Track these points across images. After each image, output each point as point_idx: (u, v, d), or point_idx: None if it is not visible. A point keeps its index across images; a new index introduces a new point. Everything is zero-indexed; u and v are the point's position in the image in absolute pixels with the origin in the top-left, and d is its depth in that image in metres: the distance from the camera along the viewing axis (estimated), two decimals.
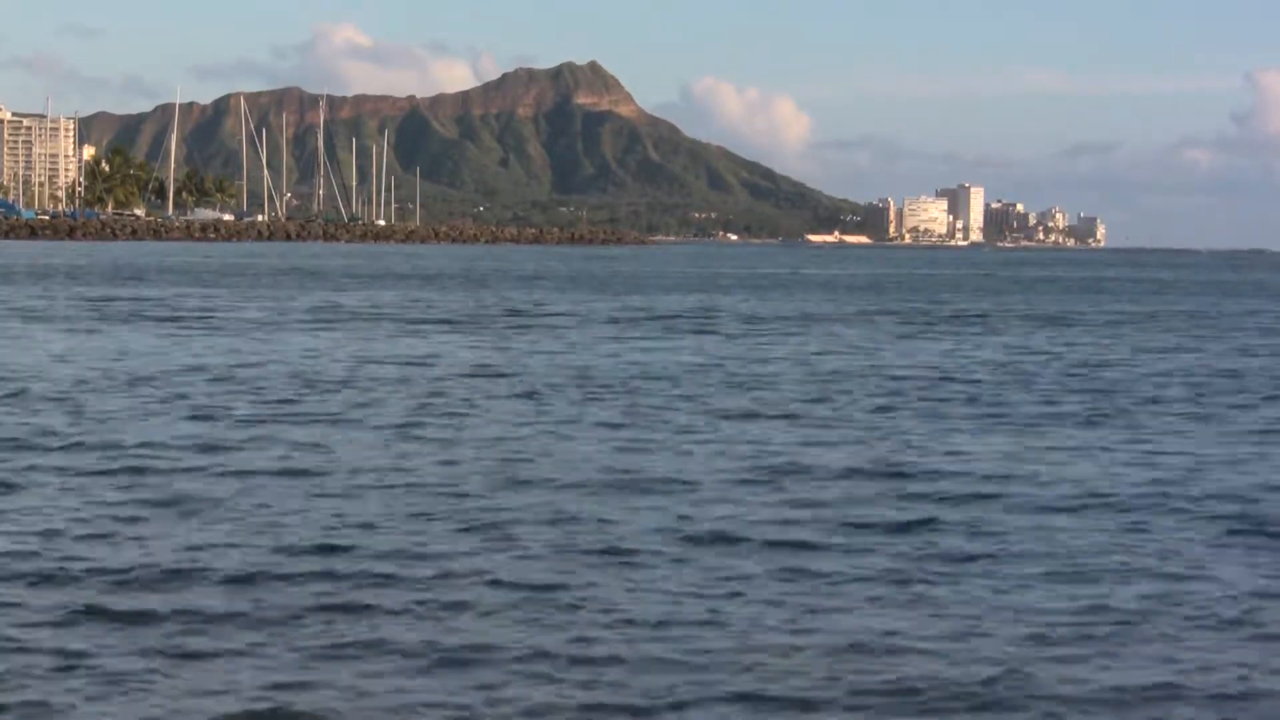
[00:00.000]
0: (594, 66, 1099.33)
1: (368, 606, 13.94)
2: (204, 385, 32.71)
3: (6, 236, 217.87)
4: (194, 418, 27.12)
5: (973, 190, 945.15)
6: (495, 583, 14.90)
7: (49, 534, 16.83)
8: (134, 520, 17.67)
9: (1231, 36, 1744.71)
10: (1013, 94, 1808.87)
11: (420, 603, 14.08)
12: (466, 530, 17.50)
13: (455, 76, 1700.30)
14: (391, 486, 20.25)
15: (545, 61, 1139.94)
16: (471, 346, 46.07)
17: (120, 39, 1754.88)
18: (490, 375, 36.54)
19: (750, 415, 29.12)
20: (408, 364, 39.28)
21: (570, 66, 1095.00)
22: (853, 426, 27.80)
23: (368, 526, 17.53)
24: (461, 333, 52.69)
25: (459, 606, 14.00)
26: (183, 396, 30.42)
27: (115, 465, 21.61)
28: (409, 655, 12.48)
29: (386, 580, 14.91)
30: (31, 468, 21.22)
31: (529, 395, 32.09)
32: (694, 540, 17.13)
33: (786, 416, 29.14)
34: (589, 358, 42.34)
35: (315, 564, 15.55)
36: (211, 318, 58.14)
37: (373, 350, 43.75)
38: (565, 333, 53.60)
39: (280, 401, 30.03)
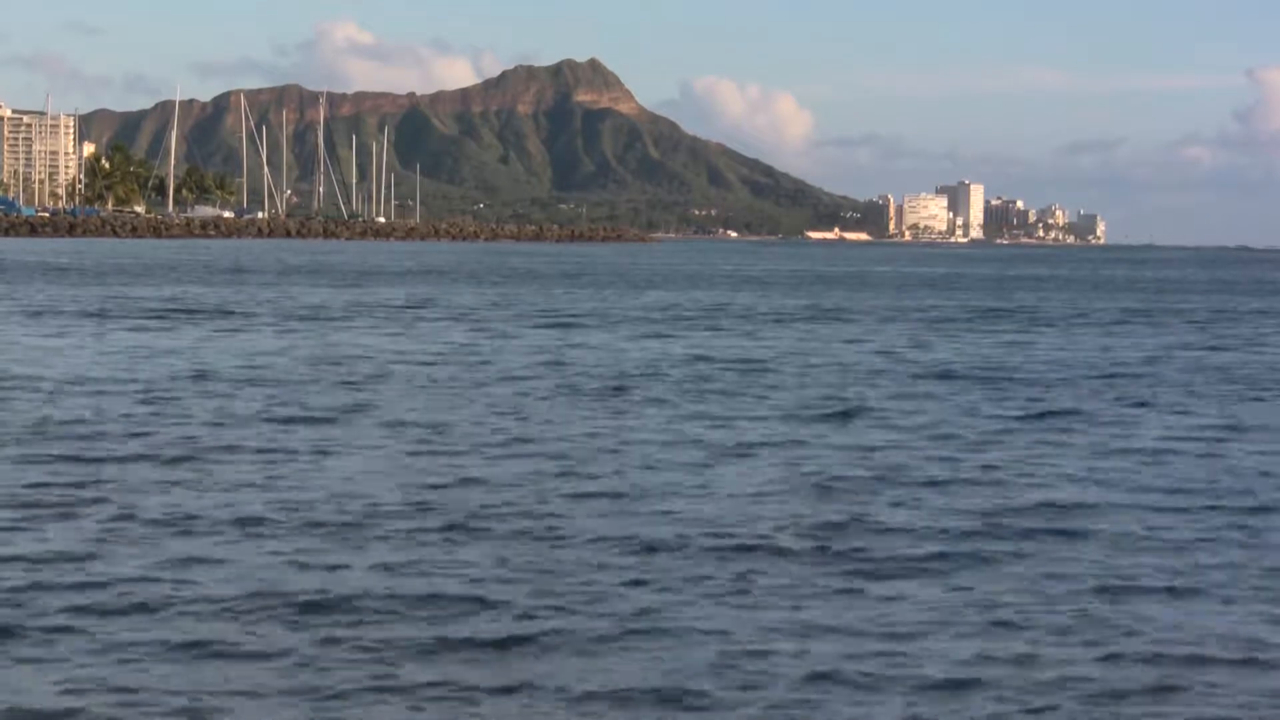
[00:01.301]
0: (594, 64, 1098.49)
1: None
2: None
3: (6, 234, 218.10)
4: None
5: (973, 187, 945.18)
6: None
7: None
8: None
9: (1234, 34, 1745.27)
10: (1013, 91, 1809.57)
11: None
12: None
13: (456, 74, 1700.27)
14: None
15: (546, 59, 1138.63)
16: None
17: (121, 37, 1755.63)
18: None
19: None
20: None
21: (570, 64, 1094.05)
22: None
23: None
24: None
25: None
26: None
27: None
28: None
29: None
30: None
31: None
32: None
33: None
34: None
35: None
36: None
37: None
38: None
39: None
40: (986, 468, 22.77)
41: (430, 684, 11.84)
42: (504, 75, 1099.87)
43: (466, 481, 20.70)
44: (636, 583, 15.03)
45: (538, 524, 17.84)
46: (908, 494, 20.36)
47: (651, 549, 16.59)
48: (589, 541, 16.92)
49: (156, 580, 14.73)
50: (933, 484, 21.15)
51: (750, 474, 21.84)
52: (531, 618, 13.64)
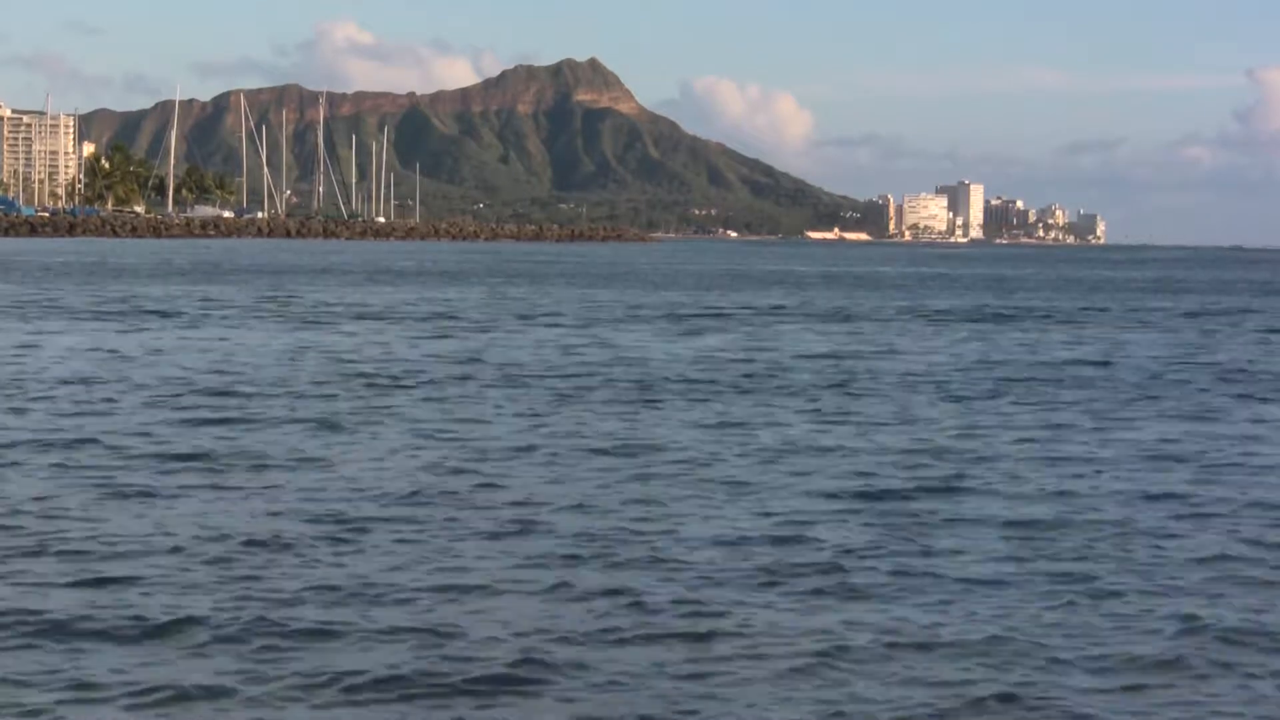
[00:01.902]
0: (594, 63, 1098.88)
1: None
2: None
3: (6, 234, 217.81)
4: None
5: (972, 187, 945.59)
6: None
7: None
8: None
9: (1234, 34, 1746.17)
10: (1013, 91, 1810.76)
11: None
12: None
13: (456, 74, 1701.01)
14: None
15: (546, 59, 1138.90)
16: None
17: (121, 37, 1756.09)
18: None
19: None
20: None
21: (570, 64, 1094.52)
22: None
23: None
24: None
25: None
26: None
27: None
28: None
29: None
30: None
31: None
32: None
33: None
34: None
35: None
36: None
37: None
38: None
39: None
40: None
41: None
42: (504, 75, 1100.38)
43: (500, 489, 20.16)
44: (691, 601, 14.36)
45: (585, 536, 17.19)
46: (955, 502, 19.84)
47: (706, 559, 16.00)
48: (650, 554, 16.29)
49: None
50: (978, 491, 20.65)
51: (798, 481, 21.29)
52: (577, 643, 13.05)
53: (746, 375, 37.09)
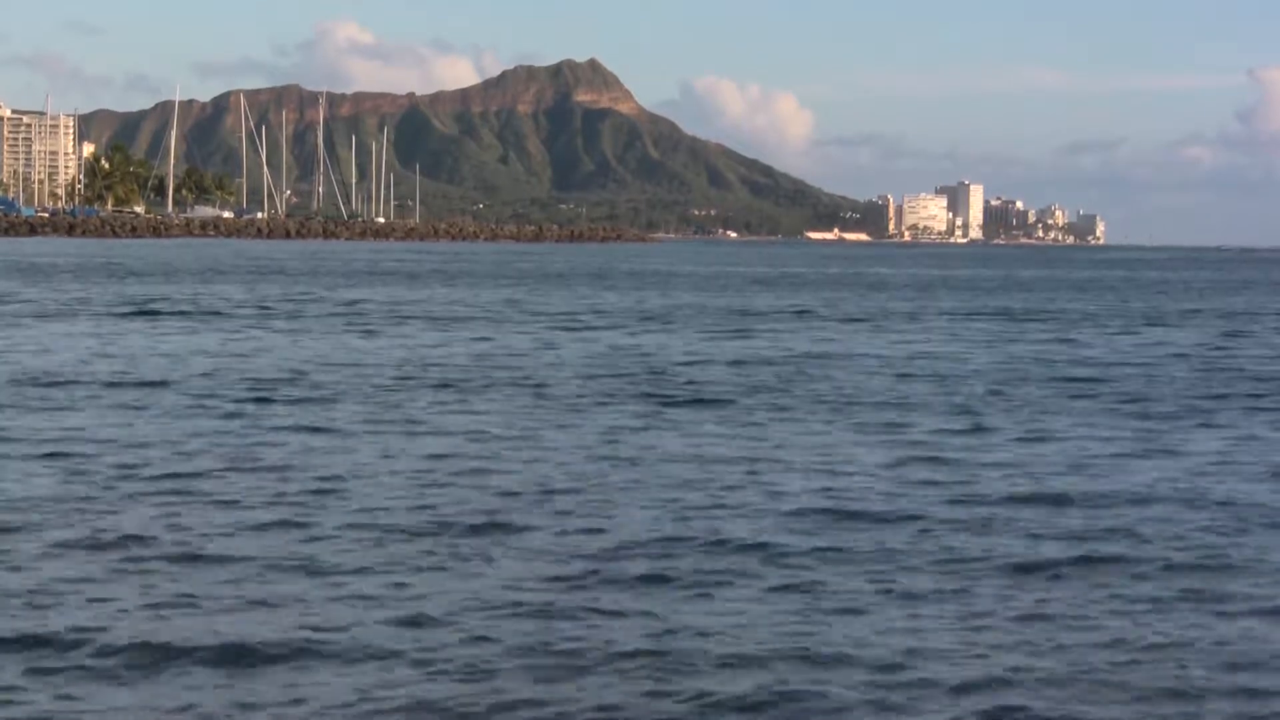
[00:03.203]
0: (594, 64, 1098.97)
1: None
2: None
3: (6, 234, 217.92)
4: None
5: (972, 187, 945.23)
6: None
7: None
8: None
9: (1234, 34, 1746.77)
10: (1013, 91, 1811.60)
11: None
12: None
13: (456, 74, 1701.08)
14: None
15: (546, 59, 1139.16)
16: None
17: (121, 37, 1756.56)
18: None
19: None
20: None
21: (570, 64, 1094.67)
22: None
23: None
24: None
25: None
26: None
27: None
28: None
29: None
30: None
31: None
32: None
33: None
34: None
35: None
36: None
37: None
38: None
39: None
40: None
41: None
42: (504, 75, 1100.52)
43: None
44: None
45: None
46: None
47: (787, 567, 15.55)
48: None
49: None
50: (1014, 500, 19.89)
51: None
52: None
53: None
